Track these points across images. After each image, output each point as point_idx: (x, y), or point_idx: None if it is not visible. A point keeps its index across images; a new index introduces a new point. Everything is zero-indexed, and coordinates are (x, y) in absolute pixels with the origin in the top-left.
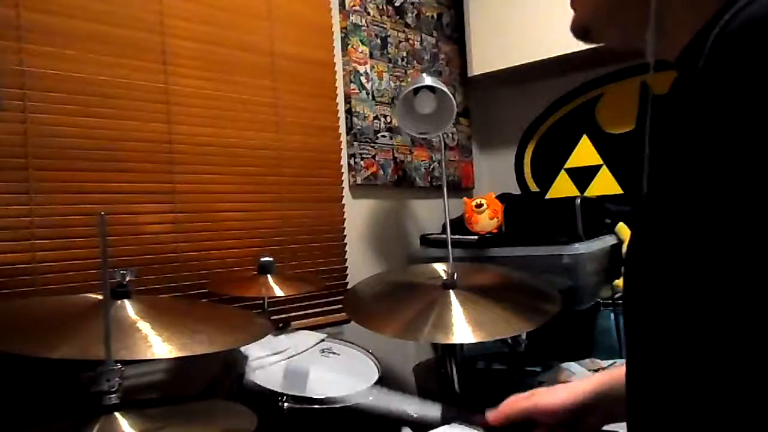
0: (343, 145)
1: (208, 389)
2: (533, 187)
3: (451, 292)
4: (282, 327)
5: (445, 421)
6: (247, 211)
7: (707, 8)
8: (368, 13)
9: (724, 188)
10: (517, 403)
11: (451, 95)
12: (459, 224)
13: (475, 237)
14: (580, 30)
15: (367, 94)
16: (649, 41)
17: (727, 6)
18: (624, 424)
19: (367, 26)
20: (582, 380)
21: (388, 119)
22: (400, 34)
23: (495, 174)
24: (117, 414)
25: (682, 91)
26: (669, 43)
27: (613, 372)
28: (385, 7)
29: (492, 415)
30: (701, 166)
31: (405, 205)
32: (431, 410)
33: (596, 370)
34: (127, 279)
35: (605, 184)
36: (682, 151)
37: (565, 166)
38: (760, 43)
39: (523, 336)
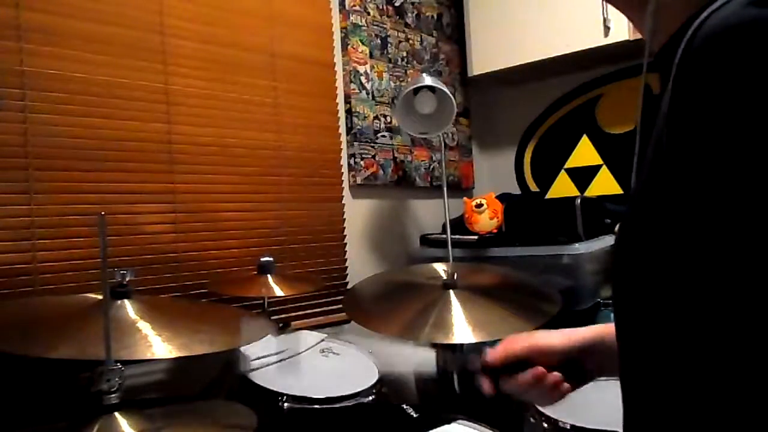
0: (343, 145)
1: (208, 389)
2: (533, 187)
3: (451, 292)
4: (282, 327)
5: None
6: (247, 211)
7: (691, 4)
8: (368, 13)
9: (699, 191)
10: (515, 342)
11: (451, 95)
12: (459, 224)
13: (475, 237)
14: None
15: (367, 94)
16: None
17: (704, 6)
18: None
19: (367, 26)
20: (583, 328)
21: (388, 119)
22: (400, 34)
23: (495, 174)
24: (117, 414)
25: (661, 96)
26: (660, 34)
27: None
28: (385, 7)
29: (489, 355)
30: (679, 169)
31: (405, 205)
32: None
33: None
34: (127, 279)
35: (605, 184)
36: (662, 155)
37: (565, 166)
38: (718, 60)
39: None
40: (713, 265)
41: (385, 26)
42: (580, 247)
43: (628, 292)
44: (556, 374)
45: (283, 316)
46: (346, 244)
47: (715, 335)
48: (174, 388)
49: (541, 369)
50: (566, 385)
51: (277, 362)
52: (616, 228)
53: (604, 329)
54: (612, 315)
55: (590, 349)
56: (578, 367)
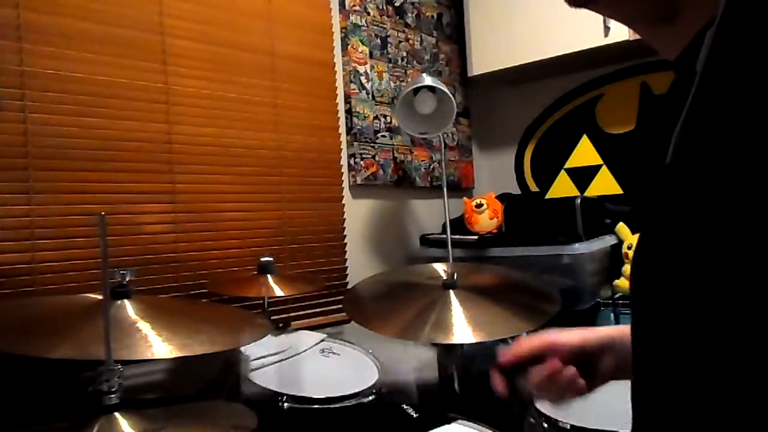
0: (343, 145)
1: (208, 389)
2: (533, 187)
3: (451, 292)
4: (282, 327)
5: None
6: (247, 211)
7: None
8: (368, 13)
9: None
10: (530, 341)
11: (451, 95)
12: (459, 224)
13: (475, 237)
14: None
15: (367, 94)
16: None
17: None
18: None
19: (367, 26)
20: (600, 327)
21: (388, 119)
22: (400, 34)
23: (495, 174)
24: (117, 414)
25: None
26: (676, 32)
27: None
28: (385, 7)
29: (502, 356)
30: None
31: (405, 205)
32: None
33: None
34: (127, 279)
35: (605, 184)
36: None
37: (565, 166)
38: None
39: (524, 336)
40: (733, 266)
41: (385, 26)
42: (580, 247)
43: (648, 290)
44: (572, 368)
45: (283, 316)
46: (346, 244)
47: (737, 344)
48: (174, 388)
49: (557, 362)
50: (581, 381)
51: (277, 362)
52: (616, 228)
53: (619, 330)
54: (611, 315)
55: (606, 348)
56: (590, 367)
